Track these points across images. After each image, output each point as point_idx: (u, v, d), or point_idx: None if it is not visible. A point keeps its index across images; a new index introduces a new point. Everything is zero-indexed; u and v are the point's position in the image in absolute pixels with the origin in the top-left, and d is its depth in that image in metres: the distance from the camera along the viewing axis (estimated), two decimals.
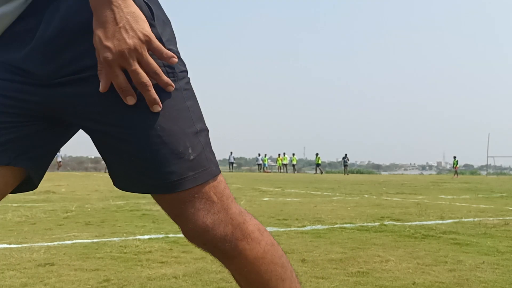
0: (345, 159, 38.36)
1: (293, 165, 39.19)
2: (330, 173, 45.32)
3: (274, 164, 41.29)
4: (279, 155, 39.06)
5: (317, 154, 38.55)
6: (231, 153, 39.27)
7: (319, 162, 39.44)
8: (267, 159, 39.99)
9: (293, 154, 39.33)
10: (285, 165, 38.70)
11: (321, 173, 38.54)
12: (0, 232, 5.19)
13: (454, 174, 35.49)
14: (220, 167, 1.25)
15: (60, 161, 37.32)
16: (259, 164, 39.27)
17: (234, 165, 42.29)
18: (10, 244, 4.45)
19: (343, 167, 39.14)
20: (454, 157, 36.27)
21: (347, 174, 36.14)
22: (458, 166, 37.11)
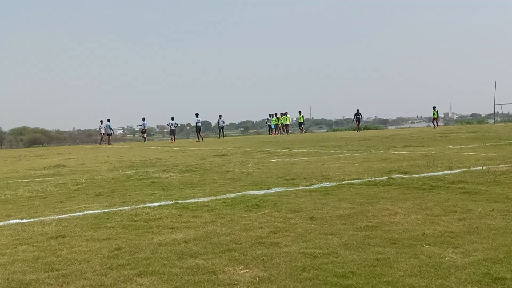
0: (358, 115, 35.10)
1: (300, 124, 37.88)
2: (337, 131, 45.12)
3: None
4: (281, 114, 37.65)
5: (300, 113, 37.16)
6: (220, 116, 35.23)
7: (302, 121, 37.90)
8: (275, 119, 38.72)
9: (300, 113, 38.00)
10: (286, 125, 37.61)
11: (302, 132, 37.21)
12: (11, 207, 5.26)
13: (434, 126, 35.16)
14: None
15: (102, 133, 33.07)
16: (269, 126, 38.14)
17: (242, 129, 40.74)
18: (21, 219, 4.51)
19: (355, 124, 37.20)
20: (434, 108, 35.50)
21: (359, 131, 34.95)
22: (437, 116, 36.41)
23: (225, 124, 36.69)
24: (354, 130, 38.67)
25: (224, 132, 36.54)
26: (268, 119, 37.57)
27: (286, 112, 37.40)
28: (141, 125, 32.91)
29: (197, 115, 31.52)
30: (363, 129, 37.98)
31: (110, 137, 31.74)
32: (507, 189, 4.78)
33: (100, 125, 31.91)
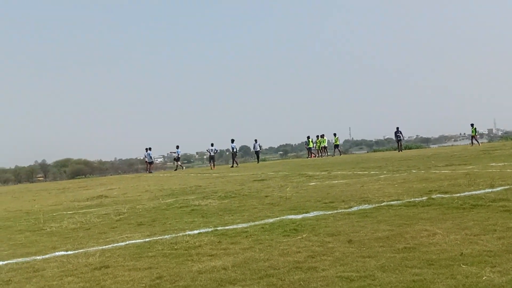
0: (398, 134, 32.90)
1: (336, 146, 37.20)
2: (378, 151, 44.40)
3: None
4: (317, 137, 37.26)
5: (334, 134, 36.56)
6: (256, 141, 34.55)
7: (337, 142, 37.17)
8: (312, 141, 38.34)
9: (334, 135, 37.44)
10: (324, 148, 37.14)
11: (340, 154, 36.43)
12: (57, 239, 5.47)
13: (471, 143, 33.86)
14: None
15: (147, 161, 33.74)
16: (308, 149, 37.76)
17: (281, 153, 40.26)
18: (67, 250, 4.68)
19: (396, 143, 35.71)
20: (472, 125, 34.19)
21: (401, 151, 33.46)
22: (476, 134, 34.95)
23: (262, 148, 36.48)
24: (395, 150, 37.84)
25: (261, 157, 36.46)
26: (306, 141, 37.27)
27: (323, 134, 36.93)
28: (174, 152, 33.46)
29: (232, 140, 31.73)
30: (405, 149, 36.86)
31: (151, 166, 32.43)
32: None
33: (145, 153, 32.71)
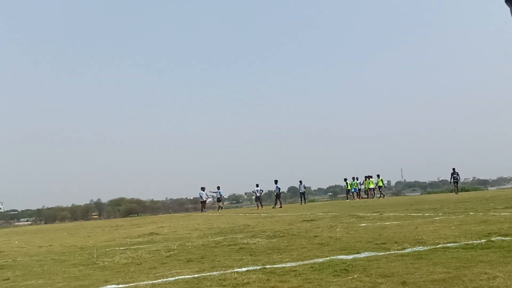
0: (455, 175, 31.82)
1: (380, 188, 35.96)
2: (432, 193, 42.87)
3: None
4: (365, 178, 36.47)
5: (378, 176, 35.40)
6: (301, 182, 34.44)
7: (381, 184, 35.78)
8: (356, 183, 37.52)
9: (378, 176, 36.42)
10: (371, 189, 36.17)
11: (383, 196, 35.01)
12: (109, 273, 5.58)
13: None
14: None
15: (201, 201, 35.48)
16: (347, 191, 37.10)
17: (331, 194, 39.76)
18: (118, 284, 4.77)
19: (453, 184, 33.98)
20: None
21: (458, 193, 31.85)
22: None
23: (307, 189, 36.22)
24: (451, 192, 36.32)
25: (309, 197, 36.10)
26: (345, 184, 36.51)
27: (371, 176, 36.11)
28: (216, 192, 33.78)
29: (276, 181, 31.84)
30: (461, 191, 35.25)
31: (204, 205, 32.96)
32: None
33: (200, 192, 33.32)
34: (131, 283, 4.75)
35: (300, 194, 34.59)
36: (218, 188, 33.55)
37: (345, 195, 37.65)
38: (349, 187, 36.48)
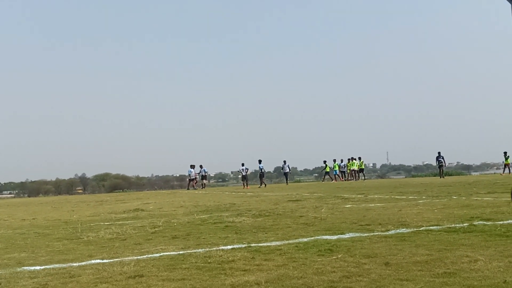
0: (440, 159, 31.89)
1: (358, 170, 36.03)
2: (417, 177, 43.40)
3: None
4: (348, 160, 36.56)
5: (359, 158, 35.67)
6: (285, 162, 33.93)
7: (362, 166, 36.04)
8: (337, 165, 37.60)
9: (359, 158, 36.53)
10: (355, 171, 36.32)
11: (364, 179, 35.18)
12: (93, 248, 5.57)
13: (504, 171, 32.34)
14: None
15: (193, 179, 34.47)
16: (342, 172, 37.24)
17: (317, 175, 39.40)
18: (102, 259, 4.75)
19: (438, 168, 34.15)
20: (505, 153, 32.57)
21: (443, 177, 32.17)
22: (510, 162, 33.17)
23: (293, 170, 36.12)
24: (435, 176, 36.68)
25: (296, 178, 36.21)
26: (342, 164, 36.69)
27: (353, 158, 36.32)
28: (199, 172, 33.64)
29: (260, 161, 31.89)
30: (445, 175, 35.62)
31: (192, 182, 32.95)
32: None
33: (191, 170, 33.12)
34: (116, 258, 4.74)
35: (284, 174, 34.49)
36: (201, 166, 33.48)
37: (328, 177, 37.86)
38: (327, 169, 36.74)
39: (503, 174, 30.57)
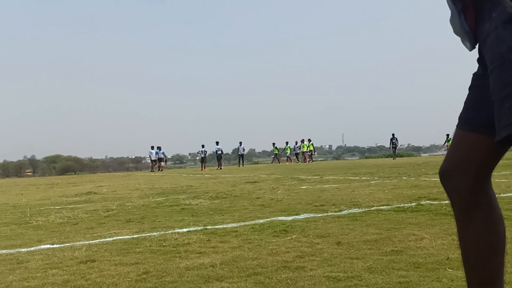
0: (394, 140, 32.52)
1: (307, 152, 36.56)
2: (370, 158, 44.61)
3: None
4: (301, 141, 36.92)
5: (309, 140, 36.29)
6: (240, 143, 33.84)
7: (312, 148, 36.67)
8: (289, 147, 37.97)
9: (309, 140, 36.99)
10: (303, 153, 36.87)
11: (310, 160, 35.85)
12: (43, 233, 5.40)
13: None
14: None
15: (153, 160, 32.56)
16: (296, 154, 37.65)
17: (273, 156, 39.35)
18: (52, 244, 4.63)
19: (391, 150, 32.95)
20: (447, 135, 34.22)
21: (395, 158, 31.25)
22: (449, 144, 35.08)
23: (251, 151, 36.43)
24: (387, 157, 37.78)
25: (254, 160, 36.33)
26: (297, 146, 37.14)
27: (303, 139, 36.85)
28: (157, 153, 33.23)
29: (217, 143, 31.87)
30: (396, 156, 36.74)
31: (153, 164, 32.48)
32: None
33: (151, 151, 32.55)
34: (67, 243, 4.63)
35: (239, 156, 34.42)
36: (159, 148, 33.02)
37: (277, 159, 38.15)
38: (276, 151, 37.15)
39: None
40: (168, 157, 33.41)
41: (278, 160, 37.26)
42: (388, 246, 3.64)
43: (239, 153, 34.42)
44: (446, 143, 34.53)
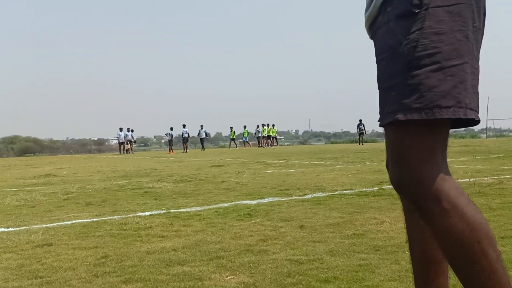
0: (361, 126, 32.32)
1: (269, 137, 36.68)
2: (335, 143, 45.22)
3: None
4: (263, 126, 36.88)
5: (273, 126, 36.50)
6: (201, 127, 33.71)
7: (273, 133, 36.83)
8: (247, 131, 37.88)
9: (273, 126, 37.12)
10: (264, 137, 36.88)
11: (274, 145, 36.24)
12: None
13: None
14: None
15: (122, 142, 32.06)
16: (258, 137, 37.53)
17: (241, 141, 39.23)
18: (7, 227, 4.47)
19: (358, 136, 32.83)
20: None
21: (362, 144, 30.92)
22: None
23: (218, 135, 36.21)
24: (353, 142, 38.23)
25: (220, 143, 36.19)
26: (258, 130, 37.00)
27: (268, 124, 36.93)
28: (126, 134, 32.60)
29: (184, 126, 31.59)
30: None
31: (122, 146, 31.84)
32: (490, 200, 4.84)
33: (119, 133, 31.84)
34: (23, 226, 4.47)
35: (200, 140, 34.01)
36: (131, 130, 32.45)
37: (254, 142, 38.20)
38: (233, 136, 37.20)
39: None
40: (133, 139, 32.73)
41: (236, 144, 37.22)
42: (349, 229, 3.68)
43: (200, 136, 34.02)
44: None
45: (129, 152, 31.21)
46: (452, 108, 1.18)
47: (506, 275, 1.18)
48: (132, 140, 32.42)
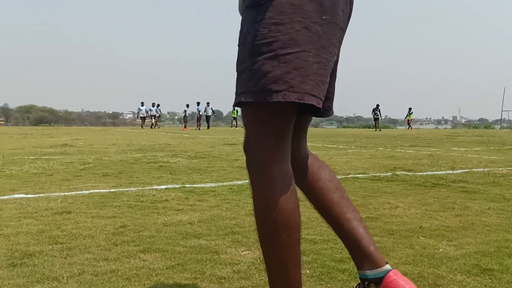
0: (377, 111, 31.61)
1: (234, 118, 36.44)
2: (348, 127, 45.05)
3: None
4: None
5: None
6: (208, 104, 32.78)
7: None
8: (236, 111, 37.47)
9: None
10: (235, 118, 36.48)
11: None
12: (16, 182, 5.33)
13: (408, 127, 34.69)
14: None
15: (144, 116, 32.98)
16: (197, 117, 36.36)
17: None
18: (27, 194, 4.57)
19: (373, 121, 32.25)
20: (409, 109, 34.62)
21: (379, 130, 30.01)
22: (411, 118, 35.60)
23: (213, 114, 35.34)
24: (365, 127, 37.88)
25: (233, 123, 36.09)
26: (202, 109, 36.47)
27: None
28: (150, 109, 32.79)
29: (198, 103, 31.57)
30: (371, 128, 37.13)
31: (143, 121, 32.13)
32: (504, 190, 4.83)
33: (141, 107, 32.03)
34: (41, 193, 4.58)
35: (206, 118, 33.51)
36: (154, 105, 32.55)
37: (235, 122, 37.69)
38: (235, 115, 36.88)
39: (408, 130, 32.47)
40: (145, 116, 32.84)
41: (236, 123, 36.70)
42: (363, 212, 3.71)
43: (206, 114, 33.50)
44: (408, 117, 35.07)
45: (153, 127, 31.32)
46: (283, 92, 1.25)
47: (294, 259, 1.36)
48: (157, 115, 32.54)
